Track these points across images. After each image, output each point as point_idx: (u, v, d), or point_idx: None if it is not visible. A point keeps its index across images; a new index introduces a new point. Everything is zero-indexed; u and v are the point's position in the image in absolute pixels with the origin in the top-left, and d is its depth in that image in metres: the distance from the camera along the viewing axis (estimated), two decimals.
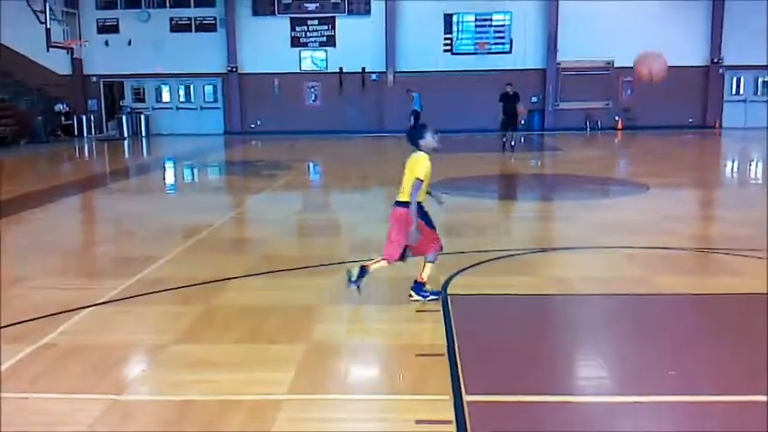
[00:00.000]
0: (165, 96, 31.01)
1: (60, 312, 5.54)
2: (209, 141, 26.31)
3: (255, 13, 29.76)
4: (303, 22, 29.78)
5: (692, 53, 29.05)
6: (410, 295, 5.76)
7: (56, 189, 13.77)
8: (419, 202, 5.56)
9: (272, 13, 29.66)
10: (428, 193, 5.77)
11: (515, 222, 10.21)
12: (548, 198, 12.76)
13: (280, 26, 29.77)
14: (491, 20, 29.21)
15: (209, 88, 30.76)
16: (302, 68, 30.10)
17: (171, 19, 29.97)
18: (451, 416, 3.76)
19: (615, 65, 29.03)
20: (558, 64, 29.32)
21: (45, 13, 23.62)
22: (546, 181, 15.29)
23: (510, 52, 29.24)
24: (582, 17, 28.43)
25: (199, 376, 4.36)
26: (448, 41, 29.50)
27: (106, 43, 29.83)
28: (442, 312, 5.48)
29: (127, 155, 23.19)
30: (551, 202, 12.34)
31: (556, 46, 29.10)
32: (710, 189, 13.77)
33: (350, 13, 29.55)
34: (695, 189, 13.51)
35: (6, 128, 24.46)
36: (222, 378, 4.32)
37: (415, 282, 5.75)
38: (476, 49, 29.24)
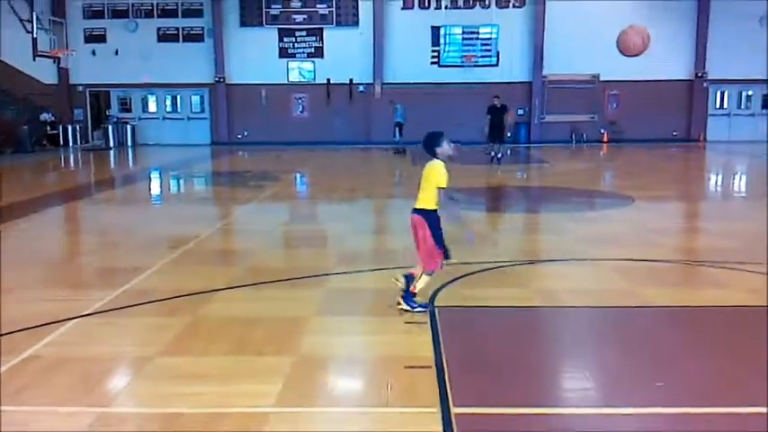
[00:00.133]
0: (152, 106, 30.91)
1: (45, 324, 5.49)
2: (195, 152, 26.22)
3: (243, 23, 29.78)
4: (291, 33, 29.83)
5: (677, 67, 29.38)
6: (398, 303, 5.76)
7: (41, 199, 13.68)
8: (435, 210, 5.63)
9: (260, 24, 29.70)
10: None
11: (502, 234, 10.23)
12: (534, 210, 12.80)
13: (267, 37, 29.80)
14: (478, 33, 29.35)
15: (196, 98, 30.71)
16: (290, 79, 30.13)
17: (158, 29, 29.94)
18: (439, 428, 3.76)
19: (601, 78, 29.31)
20: (545, 77, 29.52)
21: (32, 22, 23.52)
22: (532, 193, 15.35)
23: (497, 65, 29.40)
24: (568, 31, 28.66)
25: (186, 388, 4.33)
26: (435, 54, 29.63)
27: (93, 53, 29.75)
28: (429, 324, 5.48)
29: (113, 165, 23.08)
30: (538, 214, 12.38)
31: (542, 59, 29.30)
32: (695, 202, 13.87)
33: (338, 24, 29.64)
34: (680, 202, 13.61)
35: None
36: (209, 390, 4.29)
37: (406, 291, 5.74)
38: (463, 62, 29.37)
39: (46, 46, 24.71)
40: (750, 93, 30.03)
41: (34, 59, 24.29)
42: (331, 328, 5.57)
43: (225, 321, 5.66)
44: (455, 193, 6.31)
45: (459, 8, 29.40)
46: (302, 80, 30.17)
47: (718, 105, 30.28)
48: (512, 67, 29.46)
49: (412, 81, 29.11)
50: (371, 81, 29.59)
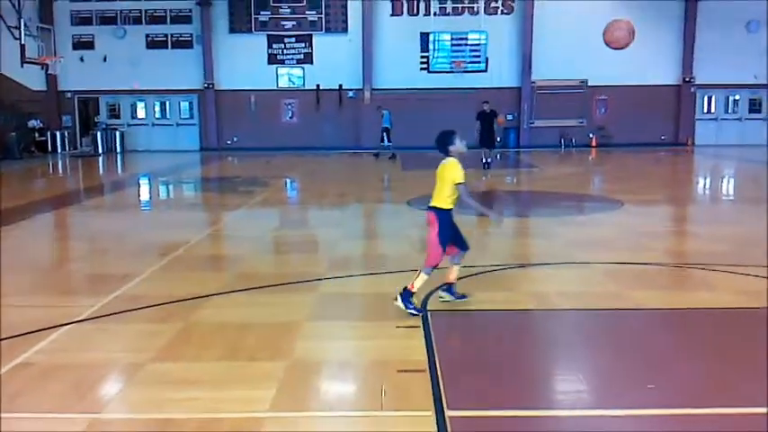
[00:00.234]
0: (141, 113, 30.83)
1: (36, 331, 5.47)
2: (185, 158, 26.17)
3: (232, 30, 29.78)
4: (280, 39, 29.85)
5: (665, 72, 29.60)
6: (395, 299, 5.78)
7: (29, 206, 13.61)
8: (449, 209, 5.73)
9: (249, 31, 29.70)
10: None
11: (493, 238, 10.24)
12: (524, 214, 12.84)
13: (256, 43, 29.81)
14: (467, 39, 29.48)
15: (185, 105, 30.66)
16: (279, 85, 30.14)
17: (147, 35, 29.89)
18: (434, 431, 3.77)
19: (589, 83, 29.48)
20: (533, 82, 29.66)
21: (19, 28, 23.41)
22: (522, 197, 15.40)
23: (486, 71, 29.52)
24: (556, 37, 28.81)
25: (179, 394, 4.31)
26: (424, 60, 29.72)
27: (81, 59, 29.67)
28: (422, 328, 5.49)
29: (101, 171, 22.99)
30: (528, 218, 12.42)
31: (530, 65, 29.44)
32: (684, 205, 13.96)
33: (327, 30, 29.69)
34: (669, 205, 13.69)
35: None
36: (202, 396, 4.28)
37: (405, 288, 5.76)
38: (452, 68, 29.47)
39: (34, 52, 24.61)
40: (737, 97, 30.29)
41: (22, 66, 24.16)
42: (323, 332, 5.57)
43: (217, 327, 5.65)
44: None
45: (448, 15, 29.52)
46: (292, 86, 30.19)
47: (705, 110, 30.52)
48: (501, 73, 29.60)
49: (401, 87, 29.18)
50: (361, 87, 29.63)
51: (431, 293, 6.34)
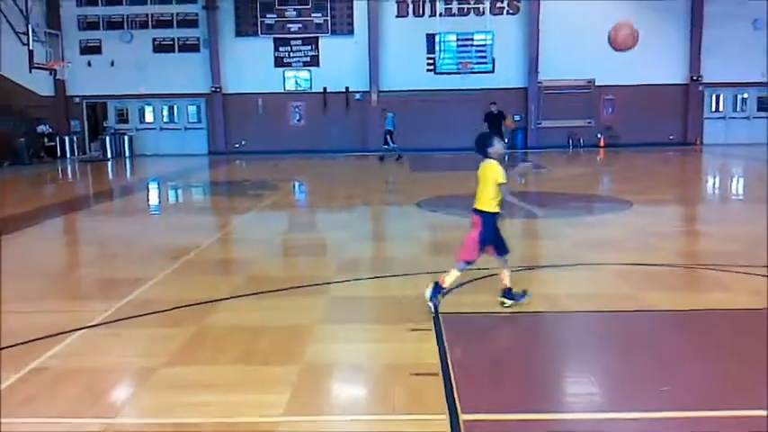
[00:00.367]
0: (149, 117, 30.96)
1: (50, 336, 5.49)
2: (193, 162, 26.25)
3: (238, 33, 29.87)
4: (286, 42, 29.91)
5: (672, 72, 29.51)
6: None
7: (39, 211, 13.67)
8: (495, 213, 5.85)
9: (255, 34, 29.78)
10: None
11: None
12: (533, 216, 12.78)
13: (263, 46, 29.88)
14: (473, 39, 29.46)
15: (192, 108, 30.75)
16: (286, 88, 30.20)
17: (154, 39, 30.02)
18: None
19: (596, 83, 29.42)
20: (540, 83, 29.62)
21: (28, 34, 23.54)
22: (531, 198, 15.34)
23: (492, 71, 29.50)
24: (562, 36, 28.77)
25: (193, 398, 4.32)
26: (431, 61, 29.72)
27: (89, 64, 29.79)
28: (434, 331, 5.48)
29: (111, 176, 23.07)
30: (537, 219, 12.38)
31: (537, 65, 29.39)
32: (694, 205, 13.91)
33: (333, 33, 29.74)
34: (679, 205, 13.64)
35: None
36: (216, 400, 4.29)
37: (436, 283, 5.89)
38: (458, 69, 29.46)
39: (42, 58, 24.75)
40: (745, 96, 30.16)
41: (30, 71, 24.31)
42: (335, 336, 5.58)
43: (229, 331, 5.67)
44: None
45: (454, 15, 29.53)
46: (298, 89, 30.23)
47: (713, 109, 30.40)
48: (507, 74, 29.57)
49: (408, 88, 29.20)
50: (368, 89, 29.64)
51: (442, 296, 6.32)
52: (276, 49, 29.96)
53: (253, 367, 4.84)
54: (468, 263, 5.93)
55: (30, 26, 23.79)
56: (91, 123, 31.11)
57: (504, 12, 29.55)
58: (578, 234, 9.93)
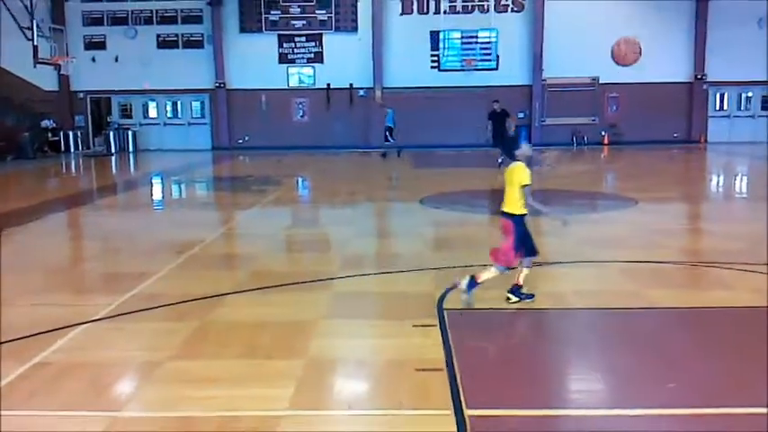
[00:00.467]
0: (153, 112, 30.93)
1: (54, 330, 5.50)
2: (196, 157, 26.24)
3: (243, 29, 29.82)
4: (290, 38, 29.87)
5: (676, 70, 29.42)
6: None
7: (43, 205, 13.69)
8: (523, 215, 5.88)
9: (260, 30, 29.74)
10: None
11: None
12: (537, 212, 12.77)
13: (267, 43, 29.84)
14: (477, 37, 29.40)
15: (196, 104, 30.74)
16: (290, 84, 30.16)
17: (158, 35, 29.98)
18: (453, 430, 3.76)
19: (600, 81, 29.36)
20: (544, 80, 29.54)
21: (32, 29, 23.55)
22: (535, 196, 15.32)
23: (496, 69, 29.43)
24: (566, 34, 28.67)
25: (197, 392, 4.33)
26: (435, 58, 29.66)
27: (93, 59, 29.77)
28: (438, 327, 5.48)
29: (114, 171, 23.10)
30: (541, 216, 12.36)
31: (541, 62, 29.33)
32: (698, 203, 13.89)
33: (337, 29, 29.68)
34: (683, 203, 13.62)
35: None
36: (221, 394, 4.29)
37: (471, 277, 5.88)
38: (463, 66, 29.41)
39: (46, 53, 24.73)
40: (750, 94, 30.07)
41: (35, 66, 24.32)
42: (339, 331, 5.57)
43: (233, 325, 5.67)
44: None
45: (458, 13, 29.45)
46: (302, 85, 30.21)
47: (718, 107, 30.31)
48: (511, 71, 29.49)
49: (412, 85, 29.14)
50: (371, 86, 29.59)
51: (447, 292, 6.33)
52: (280, 46, 29.93)
53: (257, 361, 4.85)
54: (510, 268, 5.95)
55: (34, 21, 23.79)
56: (95, 118, 31.10)
57: (509, 9, 29.48)
58: (582, 231, 9.89)
